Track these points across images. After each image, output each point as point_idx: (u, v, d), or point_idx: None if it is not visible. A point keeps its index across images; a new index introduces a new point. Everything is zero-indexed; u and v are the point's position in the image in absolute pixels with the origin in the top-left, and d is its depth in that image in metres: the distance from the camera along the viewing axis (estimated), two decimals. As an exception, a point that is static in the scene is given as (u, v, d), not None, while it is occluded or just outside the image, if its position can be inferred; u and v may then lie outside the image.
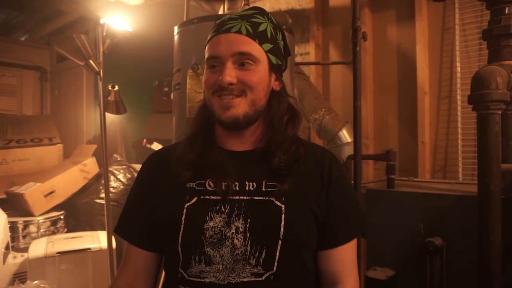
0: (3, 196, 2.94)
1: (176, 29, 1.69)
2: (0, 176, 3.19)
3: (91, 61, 1.93)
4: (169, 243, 0.82)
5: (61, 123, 4.03)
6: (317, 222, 0.82)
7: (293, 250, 0.79)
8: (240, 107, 0.79)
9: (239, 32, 0.79)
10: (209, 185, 0.81)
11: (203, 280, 0.76)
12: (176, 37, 1.70)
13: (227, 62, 0.79)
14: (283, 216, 0.78)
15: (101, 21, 2.09)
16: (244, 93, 0.79)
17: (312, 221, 0.82)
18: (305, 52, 2.94)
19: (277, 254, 0.77)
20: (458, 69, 2.24)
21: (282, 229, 0.77)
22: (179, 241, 0.79)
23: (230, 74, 0.77)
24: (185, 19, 1.93)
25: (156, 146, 3.57)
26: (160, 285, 0.93)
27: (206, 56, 0.83)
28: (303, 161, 0.84)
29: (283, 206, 0.79)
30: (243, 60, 0.79)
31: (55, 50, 4.25)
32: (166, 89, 3.99)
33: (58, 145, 3.52)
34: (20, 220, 2.65)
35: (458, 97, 2.23)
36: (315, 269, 0.86)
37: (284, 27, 1.65)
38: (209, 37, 0.84)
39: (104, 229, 2.49)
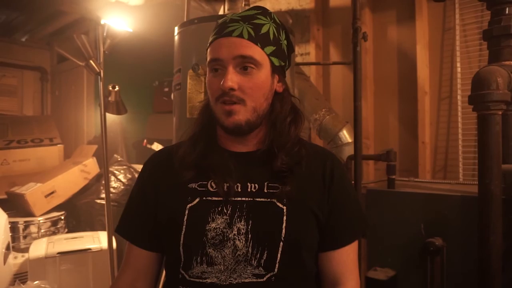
0: (4, 196, 2.94)
1: (176, 29, 1.69)
2: (1, 177, 3.20)
3: (91, 61, 1.93)
4: (171, 244, 0.82)
5: (61, 123, 4.03)
6: (318, 224, 0.83)
7: (294, 252, 0.79)
8: (242, 113, 0.79)
9: (240, 36, 0.79)
10: (211, 186, 0.81)
11: (205, 280, 0.76)
12: (176, 38, 1.69)
13: (228, 66, 0.78)
14: (284, 217, 0.78)
15: (102, 22, 2.09)
16: (243, 101, 0.79)
17: (314, 223, 0.82)
18: (306, 52, 2.94)
19: (278, 255, 0.77)
20: (459, 69, 2.24)
21: (283, 230, 0.77)
22: (181, 242, 0.79)
23: (232, 79, 0.77)
24: (185, 20, 1.93)
25: (157, 147, 3.57)
26: (161, 285, 0.94)
27: (208, 59, 0.82)
28: (305, 162, 0.84)
29: (284, 207, 0.79)
30: (245, 63, 0.78)
31: (56, 51, 4.25)
32: (166, 89, 3.99)
33: (58, 145, 3.52)
34: (21, 221, 2.66)
35: (459, 97, 2.23)
36: (316, 270, 0.86)
37: (285, 27, 1.64)
38: (210, 39, 0.83)
39: (104, 230, 2.49)
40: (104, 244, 2.32)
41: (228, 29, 0.80)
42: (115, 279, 0.90)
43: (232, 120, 0.79)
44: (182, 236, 0.79)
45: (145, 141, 3.96)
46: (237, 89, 0.78)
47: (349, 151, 2.15)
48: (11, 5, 3.38)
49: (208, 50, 0.83)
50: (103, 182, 2.12)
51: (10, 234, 2.47)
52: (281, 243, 0.77)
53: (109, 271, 2.00)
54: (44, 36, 4.18)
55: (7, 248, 2.29)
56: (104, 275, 2.18)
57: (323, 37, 2.89)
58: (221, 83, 0.77)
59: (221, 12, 2.14)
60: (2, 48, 3.99)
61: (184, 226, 0.80)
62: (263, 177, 0.82)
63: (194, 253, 0.78)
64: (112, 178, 2.98)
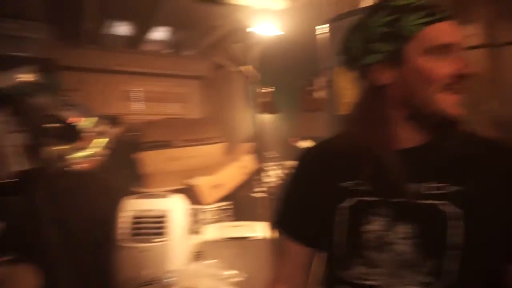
0: (180, 187, 3.43)
1: (323, 26, 1.71)
2: (178, 170, 3.76)
3: (244, 67, 2.13)
4: (326, 243, 0.82)
5: (222, 124, 4.50)
6: (499, 231, 0.71)
7: (469, 261, 0.70)
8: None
9: (453, 20, 0.73)
10: (368, 186, 0.77)
11: (364, 282, 0.75)
12: (324, 35, 1.70)
13: (457, 51, 0.72)
14: (455, 222, 0.70)
15: (249, 29, 2.25)
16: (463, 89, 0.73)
17: (493, 229, 0.71)
18: (467, 34, 2.56)
19: (449, 264, 0.70)
20: None
21: (454, 237, 0.70)
22: (336, 243, 0.78)
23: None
24: (330, 17, 1.92)
25: (307, 144, 3.65)
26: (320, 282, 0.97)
27: (432, 44, 0.72)
28: (479, 159, 0.73)
29: (455, 211, 0.71)
30: (460, 52, 0.73)
31: (213, 60, 4.82)
32: (312, 88, 4.05)
33: (221, 143, 3.94)
34: (194, 208, 3.10)
35: None
36: (500, 285, 0.75)
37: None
38: (420, 21, 0.72)
39: (260, 220, 2.73)
40: (260, 234, 2.54)
41: (442, 13, 0.73)
42: (275, 271, 0.93)
43: (459, 111, 0.73)
44: (338, 236, 0.78)
45: (295, 139, 4.11)
46: None
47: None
48: (179, 25, 3.98)
49: (424, 34, 0.72)
50: (260, 176, 2.31)
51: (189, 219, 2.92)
52: (452, 251, 0.70)
53: (263, 259, 2.14)
54: (203, 49, 4.78)
55: (187, 230, 2.72)
56: (257, 262, 2.35)
57: (489, 15, 2.47)
58: (458, 67, 0.71)
59: (363, 5, 2.05)
60: (171, 62, 4.72)
61: (339, 227, 0.78)
62: (426, 176, 0.74)
63: (351, 254, 0.76)
64: (268, 173, 3.23)
